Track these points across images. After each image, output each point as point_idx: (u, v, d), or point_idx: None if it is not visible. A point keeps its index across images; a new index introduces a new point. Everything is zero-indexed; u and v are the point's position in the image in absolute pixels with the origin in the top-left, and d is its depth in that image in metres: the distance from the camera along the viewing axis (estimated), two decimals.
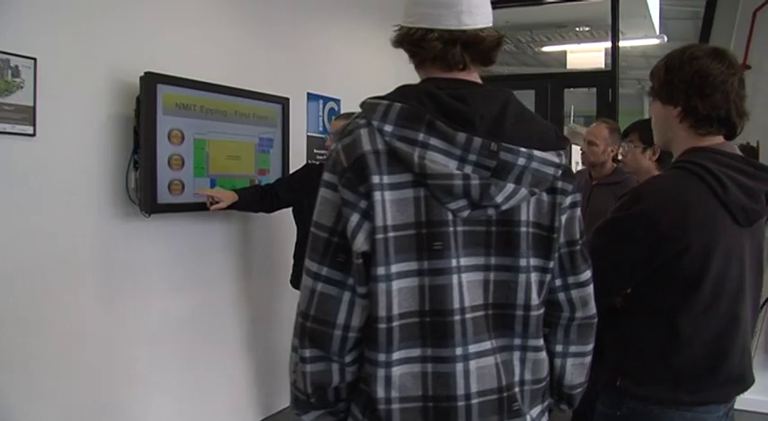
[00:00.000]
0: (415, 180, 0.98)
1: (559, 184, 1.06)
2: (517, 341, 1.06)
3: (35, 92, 2.32)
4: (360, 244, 0.98)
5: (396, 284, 0.99)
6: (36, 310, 2.38)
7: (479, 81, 1.10)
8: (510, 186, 0.99)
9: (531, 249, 1.04)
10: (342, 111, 4.16)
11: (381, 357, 1.00)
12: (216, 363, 3.26)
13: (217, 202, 2.83)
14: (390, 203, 0.98)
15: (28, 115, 2.31)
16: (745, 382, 1.42)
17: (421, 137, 0.98)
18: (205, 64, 3.09)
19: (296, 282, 3.04)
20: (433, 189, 0.98)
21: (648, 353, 1.38)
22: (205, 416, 3.19)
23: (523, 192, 1.01)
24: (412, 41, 1.08)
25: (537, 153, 1.01)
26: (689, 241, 1.30)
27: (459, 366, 1.00)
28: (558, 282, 1.10)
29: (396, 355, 1.00)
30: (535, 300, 1.05)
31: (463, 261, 1.01)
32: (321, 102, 4.08)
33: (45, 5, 2.37)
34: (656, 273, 1.35)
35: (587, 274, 1.12)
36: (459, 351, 1.00)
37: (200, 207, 2.90)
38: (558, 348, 1.13)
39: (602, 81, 5.53)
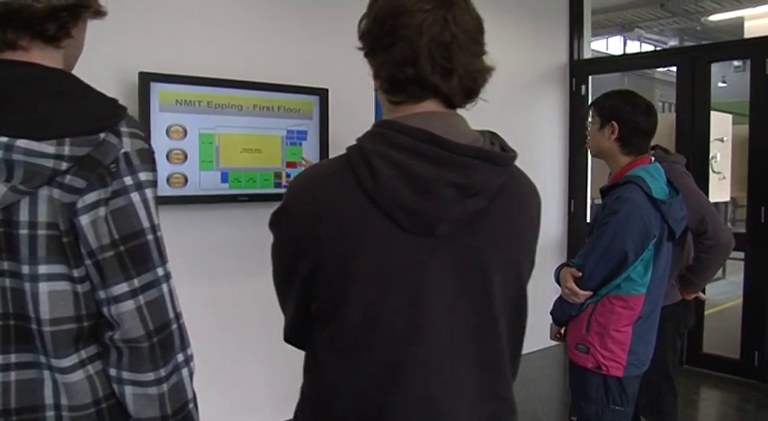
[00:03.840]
0: None
1: (66, 180, 0.93)
2: (42, 359, 0.97)
3: None
4: None
5: None
6: None
7: (45, 63, 0.98)
8: None
9: (49, 254, 0.95)
10: None
11: None
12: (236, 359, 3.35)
13: None
14: None
15: None
16: None
17: None
18: (231, 59, 3.16)
19: None
20: None
21: (306, 401, 1.09)
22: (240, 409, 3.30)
23: (1, 189, 0.91)
24: None
25: (21, 143, 0.90)
26: (321, 254, 0.97)
27: None
28: (101, 295, 0.98)
29: None
30: (45, 313, 0.94)
31: None
32: None
33: None
34: (312, 293, 1.05)
35: (122, 288, 0.96)
36: None
37: (205, 199, 2.98)
38: (113, 372, 0.99)
39: (758, 50, 4.40)
